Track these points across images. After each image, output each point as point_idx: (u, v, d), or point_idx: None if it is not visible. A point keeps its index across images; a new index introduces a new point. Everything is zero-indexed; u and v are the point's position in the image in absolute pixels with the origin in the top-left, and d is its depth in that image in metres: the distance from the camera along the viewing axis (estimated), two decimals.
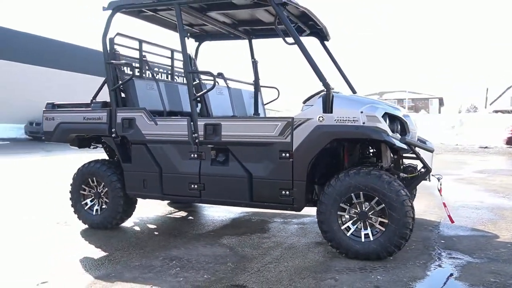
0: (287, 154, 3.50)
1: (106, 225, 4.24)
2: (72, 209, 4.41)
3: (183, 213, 5.07)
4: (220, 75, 4.91)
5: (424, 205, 5.43)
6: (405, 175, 3.79)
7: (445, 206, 3.82)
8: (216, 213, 5.03)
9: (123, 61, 4.16)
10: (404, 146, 3.32)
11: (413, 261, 3.29)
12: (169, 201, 5.46)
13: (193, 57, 5.55)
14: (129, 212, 4.34)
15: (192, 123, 3.80)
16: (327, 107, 3.36)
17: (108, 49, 4.15)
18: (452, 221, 3.84)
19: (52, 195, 6.07)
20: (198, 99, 3.96)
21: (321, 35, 4.86)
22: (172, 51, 5.23)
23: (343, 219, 3.37)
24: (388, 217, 3.22)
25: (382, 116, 3.29)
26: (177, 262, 3.30)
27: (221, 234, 4.13)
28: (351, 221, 3.36)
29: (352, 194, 3.30)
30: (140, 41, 4.67)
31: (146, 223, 4.60)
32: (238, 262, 3.30)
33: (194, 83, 3.95)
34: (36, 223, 4.53)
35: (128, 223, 4.52)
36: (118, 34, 4.28)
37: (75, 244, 3.83)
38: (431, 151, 3.45)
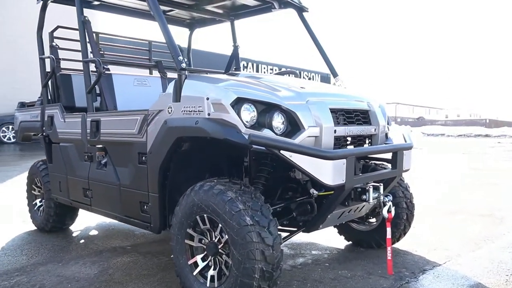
0: (144, 158, 2.68)
1: (43, 228, 4.03)
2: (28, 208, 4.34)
3: None
4: (157, 64, 4.20)
5: (473, 234, 3.74)
6: (316, 192, 2.52)
7: (388, 244, 2.41)
8: None
9: (49, 55, 3.87)
10: (262, 148, 2.16)
11: None
12: None
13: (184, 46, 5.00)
14: (65, 217, 4.00)
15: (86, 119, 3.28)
16: (178, 94, 2.44)
17: (49, 42, 3.93)
18: (390, 272, 2.41)
19: None
20: (98, 92, 3.38)
21: (297, 6, 3.77)
22: (150, 42, 4.78)
23: (194, 251, 2.39)
24: (231, 255, 2.13)
25: (236, 104, 2.19)
26: (22, 275, 2.83)
27: (142, 251, 3.45)
28: (201, 255, 2.36)
29: (197, 216, 2.31)
30: (97, 34, 4.34)
31: (99, 230, 4.20)
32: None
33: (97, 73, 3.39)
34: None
35: (82, 227, 4.23)
36: (58, 27, 4.02)
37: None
38: (318, 156, 2.13)
